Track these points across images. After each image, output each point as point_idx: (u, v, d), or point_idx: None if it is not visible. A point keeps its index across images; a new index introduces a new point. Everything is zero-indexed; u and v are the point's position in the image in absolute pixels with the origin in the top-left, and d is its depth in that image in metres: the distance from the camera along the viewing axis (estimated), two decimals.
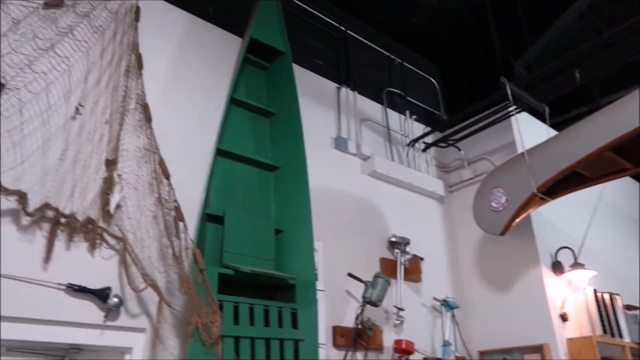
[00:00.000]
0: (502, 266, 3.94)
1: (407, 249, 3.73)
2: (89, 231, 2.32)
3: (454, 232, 4.35)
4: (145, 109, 2.69)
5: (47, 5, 2.56)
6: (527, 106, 3.86)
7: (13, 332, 2.02)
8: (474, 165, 4.40)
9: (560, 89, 3.67)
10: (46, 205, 2.22)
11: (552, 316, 3.57)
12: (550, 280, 3.73)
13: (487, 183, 3.72)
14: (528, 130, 4.07)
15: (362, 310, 3.09)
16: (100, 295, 2.25)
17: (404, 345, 3.22)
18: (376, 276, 3.18)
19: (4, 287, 2.03)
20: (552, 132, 3.69)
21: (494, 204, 3.56)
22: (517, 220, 3.44)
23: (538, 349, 3.51)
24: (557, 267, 3.81)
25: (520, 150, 3.79)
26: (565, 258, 3.87)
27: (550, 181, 3.27)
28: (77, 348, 2.20)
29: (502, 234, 3.47)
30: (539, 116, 4.21)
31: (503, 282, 3.91)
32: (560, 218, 4.11)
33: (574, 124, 3.35)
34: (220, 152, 2.96)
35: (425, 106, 4.89)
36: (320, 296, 2.98)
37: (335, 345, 3.07)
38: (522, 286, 3.78)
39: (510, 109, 3.87)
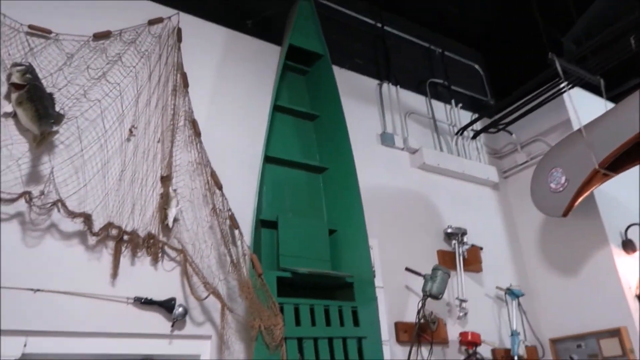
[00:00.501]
0: (567, 249, 3.78)
1: (465, 239, 3.65)
2: (151, 245, 2.43)
3: (512, 219, 4.22)
4: (194, 124, 2.79)
5: (96, 37, 2.72)
6: (580, 81, 3.70)
7: (89, 346, 2.15)
8: (527, 148, 4.25)
9: (615, 59, 3.49)
10: (110, 224, 2.34)
11: (628, 297, 3.38)
12: (621, 259, 3.53)
13: (543, 164, 3.58)
14: (583, 106, 3.88)
15: (424, 304, 3.04)
16: (166, 306, 2.34)
17: (470, 337, 3.15)
18: (435, 269, 3.13)
19: (79, 305, 2.16)
20: (610, 105, 3.51)
21: (553, 185, 3.42)
22: (580, 199, 3.29)
23: (615, 332, 3.34)
24: (628, 246, 3.61)
25: (576, 127, 3.63)
26: (636, 235, 3.66)
27: (612, 156, 3.12)
28: (149, 358, 2.31)
29: (565, 215, 3.33)
30: (594, 90, 4.02)
31: (570, 266, 3.74)
32: (627, 194, 3.89)
33: (633, 94, 3.17)
34: (268, 159, 3.02)
35: (470, 93, 4.78)
36: (379, 293, 2.97)
37: (399, 341, 3.04)
38: (591, 268, 3.61)
39: (562, 85, 3.72)
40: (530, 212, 3.90)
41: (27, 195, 2.14)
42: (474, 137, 4.36)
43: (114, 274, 2.29)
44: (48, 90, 2.38)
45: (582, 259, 3.67)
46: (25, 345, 2.01)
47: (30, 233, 2.18)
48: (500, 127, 4.33)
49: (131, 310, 2.28)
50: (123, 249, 2.36)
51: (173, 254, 2.49)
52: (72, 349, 2.11)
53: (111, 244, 2.35)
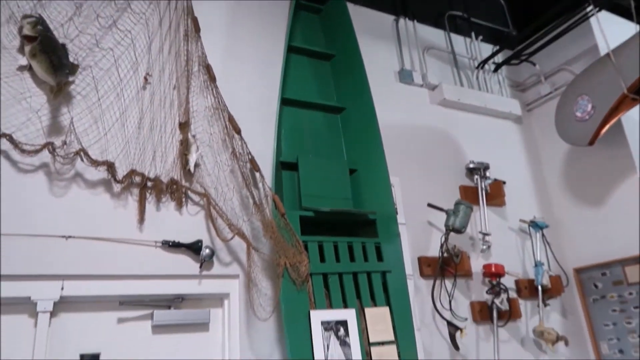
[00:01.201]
0: (593, 179, 3.72)
1: (487, 174, 3.61)
2: (174, 191, 2.47)
3: (536, 151, 4.14)
4: (208, 69, 2.75)
5: None
6: (608, 3, 3.51)
7: (122, 288, 2.24)
8: (551, 78, 4.11)
9: None
10: (133, 172, 2.38)
11: None
12: None
13: (569, 93, 3.47)
14: (612, 31, 3.69)
15: (447, 238, 3.07)
16: (193, 248, 2.41)
17: (493, 269, 3.18)
18: (457, 203, 3.12)
19: (110, 250, 2.23)
20: None
21: (579, 114, 3.33)
22: (607, 126, 3.20)
23: None
24: None
25: (603, 53, 3.47)
26: None
27: None
28: (180, 297, 2.40)
29: (591, 143, 3.25)
30: (623, 13, 3.82)
31: (595, 195, 3.69)
32: None
33: None
34: (285, 101, 2.99)
35: (491, 25, 4.59)
36: (402, 230, 2.99)
37: (422, 275, 3.09)
38: (617, 196, 3.55)
39: (589, 9, 3.54)
40: (554, 144, 3.83)
41: (50, 146, 2.18)
42: (495, 70, 4.23)
43: (141, 220, 2.35)
44: (60, 41, 2.36)
45: (608, 188, 3.62)
46: (62, 289, 2.10)
47: (57, 183, 2.23)
48: (523, 58, 4.18)
49: (160, 253, 2.35)
50: (147, 195, 2.41)
51: (196, 198, 2.53)
52: (107, 291, 2.20)
53: (135, 190, 2.39)
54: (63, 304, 2.15)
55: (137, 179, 2.40)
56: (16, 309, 2.08)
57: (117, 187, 2.35)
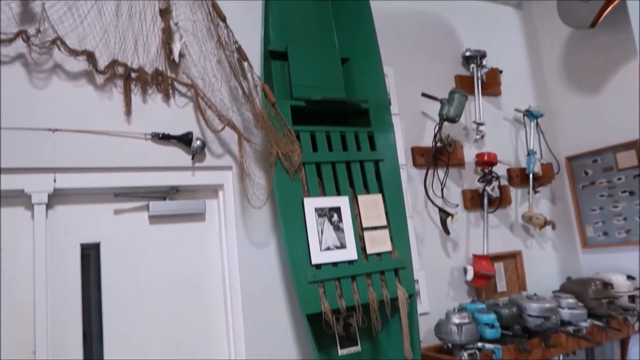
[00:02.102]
0: (592, 65, 3.62)
1: (484, 62, 3.51)
2: (160, 82, 2.39)
3: (535, 39, 4.00)
4: None
5: None
6: None
7: (116, 180, 2.23)
8: None
9: None
10: (114, 62, 2.27)
11: None
12: None
13: None
14: None
15: (440, 128, 3.04)
16: (184, 140, 2.38)
17: (486, 158, 3.20)
18: (452, 92, 3.06)
19: (99, 143, 2.20)
20: None
21: None
22: (610, 7, 3.05)
23: (631, 145, 3.34)
24: None
25: None
26: None
27: None
28: (175, 189, 2.41)
29: (593, 25, 3.13)
30: None
31: (593, 82, 3.62)
32: None
33: None
34: None
35: None
36: (395, 120, 2.96)
37: (416, 165, 3.11)
38: (615, 83, 3.49)
39: None
40: (554, 30, 3.70)
41: (23, 34, 2.06)
42: None
43: (128, 112, 2.29)
44: None
45: (606, 74, 3.54)
46: (55, 181, 2.09)
47: (37, 75, 2.14)
48: None
49: (150, 146, 2.32)
50: (132, 86, 2.33)
51: (183, 89, 2.45)
52: (100, 183, 2.20)
53: (120, 82, 2.30)
54: (58, 197, 2.16)
55: (120, 69, 2.30)
56: (12, 201, 2.09)
57: (99, 79, 2.26)
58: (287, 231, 2.32)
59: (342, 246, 2.41)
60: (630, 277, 3.26)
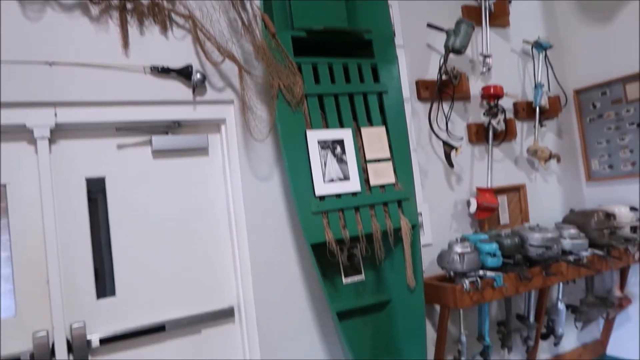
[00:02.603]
0: None
1: None
2: (157, 13, 2.33)
3: None
4: None
5: None
6: None
7: (117, 114, 2.22)
8: None
9: None
10: None
11: None
12: None
13: None
14: None
15: (446, 60, 2.97)
16: (184, 74, 2.34)
17: (492, 90, 3.14)
18: (458, 22, 2.97)
19: (98, 76, 2.17)
20: None
21: None
22: None
23: None
24: None
25: None
26: None
27: None
28: (177, 123, 2.40)
29: None
30: None
31: (604, 12, 3.50)
32: None
33: None
34: None
35: None
36: (399, 52, 2.89)
37: (420, 98, 3.06)
38: (626, 13, 3.37)
39: None
40: None
41: None
42: None
43: (125, 44, 2.24)
44: None
45: (618, 3, 3.40)
46: (56, 115, 2.09)
47: (30, 7, 2.09)
48: None
49: (150, 80, 2.29)
50: (128, 18, 2.27)
51: (181, 21, 2.39)
52: (102, 118, 2.19)
53: (115, 14, 2.25)
54: (60, 132, 2.17)
55: (115, 1, 2.24)
56: (15, 136, 2.10)
57: (94, 10, 2.20)
58: (290, 163, 2.32)
59: (346, 178, 2.42)
60: (633, 209, 3.28)
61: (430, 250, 2.97)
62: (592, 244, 3.06)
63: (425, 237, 2.97)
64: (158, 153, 2.38)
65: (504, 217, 3.31)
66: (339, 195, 2.40)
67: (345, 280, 2.60)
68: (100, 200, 2.29)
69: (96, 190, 2.28)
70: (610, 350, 3.63)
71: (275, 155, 2.55)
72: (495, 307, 3.19)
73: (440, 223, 3.06)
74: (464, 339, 2.76)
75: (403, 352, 2.57)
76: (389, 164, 2.55)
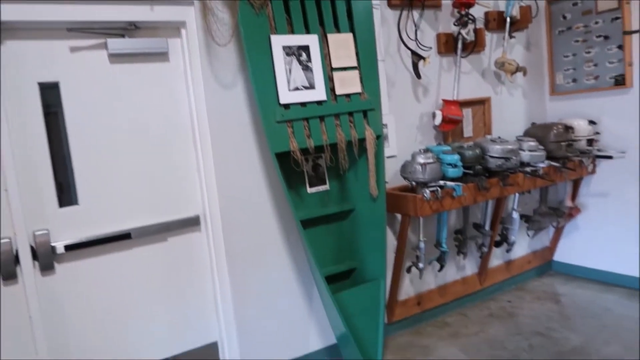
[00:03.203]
0: None
1: None
2: None
3: None
4: None
5: None
6: None
7: (68, 13, 2.07)
8: None
9: None
10: None
11: None
12: None
13: None
14: None
15: None
16: None
17: None
18: None
19: None
20: None
21: None
22: None
23: None
24: None
25: None
26: None
27: None
28: (133, 25, 2.26)
29: None
30: None
31: None
32: None
33: None
34: None
35: None
36: None
37: (390, 5, 2.95)
38: None
39: None
40: None
41: None
42: None
43: None
44: None
45: None
46: (0, 12, 1.93)
47: None
48: None
49: None
50: None
51: None
52: (50, 16, 2.03)
53: None
54: (7, 31, 2.02)
55: None
56: None
57: None
58: (254, 70, 2.25)
59: (311, 86, 2.38)
60: (591, 122, 3.37)
61: (394, 162, 3.02)
62: (549, 156, 3.16)
63: (390, 149, 3.00)
64: (115, 57, 2.26)
65: (468, 130, 3.36)
66: (304, 104, 2.37)
67: (310, 190, 2.64)
68: (56, 106, 2.19)
69: (51, 96, 2.17)
70: (558, 257, 3.89)
71: (239, 62, 2.46)
72: (454, 216, 3.33)
73: (405, 135, 3.08)
74: (422, 245, 2.89)
75: (364, 257, 2.69)
76: (356, 73, 2.51)
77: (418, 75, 2.98)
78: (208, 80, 2.40)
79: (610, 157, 3.31)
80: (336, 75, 2.45)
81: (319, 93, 2.40)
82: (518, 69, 3.35)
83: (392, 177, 3.00)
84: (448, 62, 3.23)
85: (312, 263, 2.45)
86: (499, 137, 3.04)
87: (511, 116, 3.60)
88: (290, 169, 2.49)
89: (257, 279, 2.58)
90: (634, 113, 3.25)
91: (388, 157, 2.99)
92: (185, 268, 2.50)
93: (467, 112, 3.35)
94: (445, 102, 3.13)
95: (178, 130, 2.44)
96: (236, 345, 2.57)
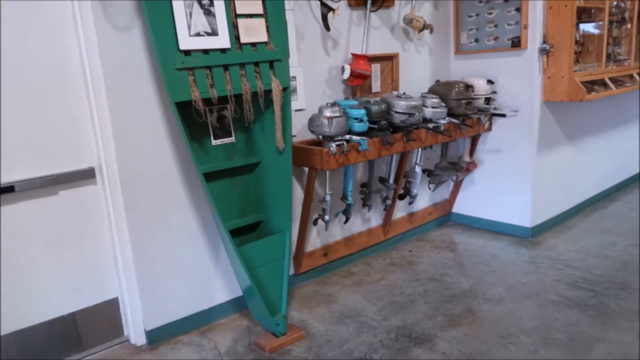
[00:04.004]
0: None
1: None
2: None
3: None
4: None
5: None
6: None
7: None
8: None
9: None
10: None
11: None
12: None
13: None
14: None
15: None
16: None
17: None
18: None
19: None
20: None
21: None
22: None
23: None
24: None
25: None
26: None
27: None
28: None
29: None
30: None
31: None
32: None
33: None
34: None
35: None
36: None
37: None
38: None
39: None
40: None
41: None
42: None
43: None
44: None
45: None
46: None
47: None
48: None
49: None
50: None
51: None
52: None
53: None
54: None
55: None
56: None
57: None
58: (150, 12, 2.09)
59: (214, 33, 2.27)
60: (490, 82, 3.55)
61: (303, 115, 3.00)
62: (450, 114, 3.30)
63: (298, 102, 2.98)
64: None
65: (376, 86, 3.41)
66: (206, 51, 2.26)
67: (215, 142, 2.57)
68: None
69: None
70: (456, 209, 4.15)
71: (136, 6, 2.28)
72: (361, 170, 3.41)
73: (314, 88, 3.07)
74: (328, 198, 2.95)
75: (271, 211, 2.70)
76: (262, 22, 2.42)
77: (327, 28, 2.95)
78: (100, 22, 2.21)
79: (503, 115, 3.52)
80: (241, 22, 2.35)
81: (222, 40, 2.29)
82: (425, 26, 3.42)
83: (300, 131, 3.00)
84: (358, 16, 3.22)
85: (216, 216, 2.41)
86: (404, 93, 3.12)
87: (418, 73, 3.69)
88: (194, 120, 2.39)
89: (159, 233, 2.51)
90: (527, 74, 3.46)
91: (296, 110, 2.97)
92: (80, 223, 2.37)
93: (376, 68, 3.39)
94: (355, 56, 3.14)
95: (67, 78, 2.25)
96: (138, 301, 2.50)
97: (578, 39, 3.66)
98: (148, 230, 2.47)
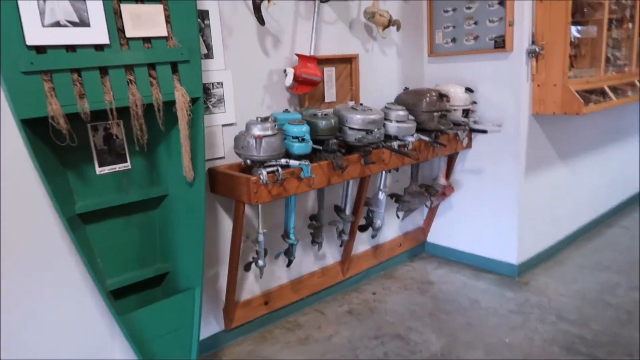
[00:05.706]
0: None
1: None
2: None
3: None
4: None
5: None
6: None
7: None
8: None
9: None
10: None
11: None
12: None
13: None
14: None
15: None
16: None
17: None
18: None
19: None
20: None
21: None
22: None
23: None
24: None
25: None
26: None
27: None
28: None
29: None
30: None
31: None
32: None
33: None
34: None
35: None
36: None
37: None
38: None
39: None
40: None
41: None
42: None
43: None
44: None
45: None
46: None
47: None
48: None
49: None
50: None
51: None
52: None
53: None
54: None
55: None
56: None
57: None
58: None
59: (83, 23, 1.63)
60: (468, 90, 2.95)
61: (233, 131, 2.37)
62: (420, 129, 2.70)
63: (226, 115, 2.35)
64: None
65: (330, 94, 2.79)
66: (72, 48, 1.62)
67: (101, 170, 1.93)
68: None
69: None
70: (431, 238, 3.55)
71: None
72: (313, 198, 2.79)
73: (248, 97, 2.44)
74: (261, 238, 2.32)
75: (180, 258, 2.06)
76: (159, 9, 1.79)
77: (261, 21, 2.31)
78: None
79: (485, 132, 2.93)
80: (125, 8, 1.71)
81: (97, 33, 1.65)
82: (391, 22, 2.82)
83: (230, 152, 2.36)
84: (307, 8, 2.60)
85: (89, 273, 1.76)
86: (362, 105, 2.51)
87: (384, 79, 3.08)
88: (63, 141, 1.75)
89: (27, 290, 1.85)
90: (513, 81, 2.87)
91: (224, 125, 2.35)
92: None
93: (331, 72, 2.77)
94: (300, 57, 2.52)
95: None
96: None
97: (573, 40, 3.08)
98: (12, 288, 1.81)
